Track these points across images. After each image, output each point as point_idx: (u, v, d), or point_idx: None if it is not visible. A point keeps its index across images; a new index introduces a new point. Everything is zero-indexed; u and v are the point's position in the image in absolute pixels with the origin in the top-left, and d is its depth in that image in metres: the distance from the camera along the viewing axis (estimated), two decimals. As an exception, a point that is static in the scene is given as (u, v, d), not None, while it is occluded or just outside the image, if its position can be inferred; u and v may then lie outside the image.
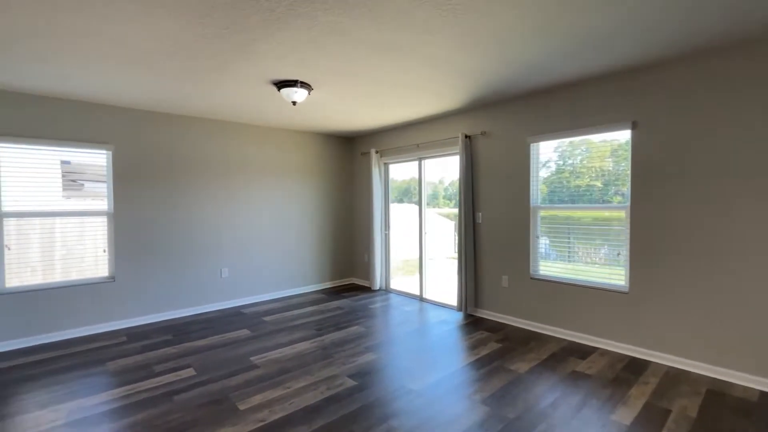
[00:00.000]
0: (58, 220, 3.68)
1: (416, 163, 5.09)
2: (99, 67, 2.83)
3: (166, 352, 3.35)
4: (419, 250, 5.08)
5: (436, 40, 2.44)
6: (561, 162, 3.64)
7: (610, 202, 3.34)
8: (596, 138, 3.39)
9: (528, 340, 3.56)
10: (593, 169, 3.44)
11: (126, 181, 4.01)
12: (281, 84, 3.26)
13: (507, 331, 3.81)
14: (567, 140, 3.57)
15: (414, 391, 2.63)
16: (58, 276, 3.70)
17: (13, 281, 3.48)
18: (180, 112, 4.19)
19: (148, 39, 2.38)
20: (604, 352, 3.24)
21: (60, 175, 3.74)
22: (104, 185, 3.93)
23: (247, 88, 3.38)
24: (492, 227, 4.16)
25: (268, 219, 5.10)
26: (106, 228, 3.93)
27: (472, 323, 4.05)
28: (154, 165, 4.18)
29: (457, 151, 4.45)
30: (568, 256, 3.63)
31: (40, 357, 3.25)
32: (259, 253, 5.01)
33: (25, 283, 3.54)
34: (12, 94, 3.40)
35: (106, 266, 3.95)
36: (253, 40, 2.41)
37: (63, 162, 3.74)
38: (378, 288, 5.57)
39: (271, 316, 4.37)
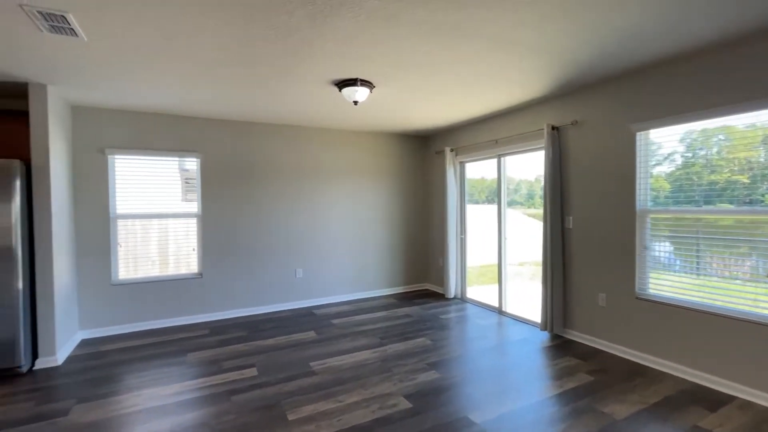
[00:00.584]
0: (156, 221, 4.14)
1: (495, 160, 4.60)
2: (181, 84, 3.06)
3: (237, 349, 3.50)
4: (498, 257, 4.58)
5: (495, 16, 2.06)
6: (689, 154, 2.86)
7: (761, 201, 2.51)
8: (739, 120, 2.58)
9: (631, 374, 2.88)
10: (736, 161, 2.63)
11: (212, 186, 4.36)
12: (342, 84, 3.16)
13: (602, 359, 3.15)
14: (695, 125, 2.79)
15: (477, 426, 2.27)
16: (158, 271, 4.16)
17: (123, 274, 4.01)
18: (254, 119, 4.42)
19: (214, 48, 2.46)
20: (745, 405, 2.43)
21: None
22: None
23: (310, 91, 3.36)
24: (585, 234, 3.50)
25: (341, 221, 5.11)
26: (196, 228, 4.32)
27: (559, 346, 3.46)
28: (234, 170, 4.48)
29: (542, 145, 3.87)
30: (696, 269, 2.84)
31: (139, 342, 3.67)
32: (332, 254, 5.05)
33: (132, 276, 4.06)
34: (121, 113, 3.92)
35: (196, 264, 4.34)
36: (303, 39, 2.33)
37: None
38: (452, 296, 5.20)
39: (339, 319, 4.33)
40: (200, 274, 4.34)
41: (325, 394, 2.65)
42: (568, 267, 3.66)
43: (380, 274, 5.43)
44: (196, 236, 4.33)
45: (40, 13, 1.95)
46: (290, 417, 2.38)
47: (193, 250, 4.33)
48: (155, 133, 4.08)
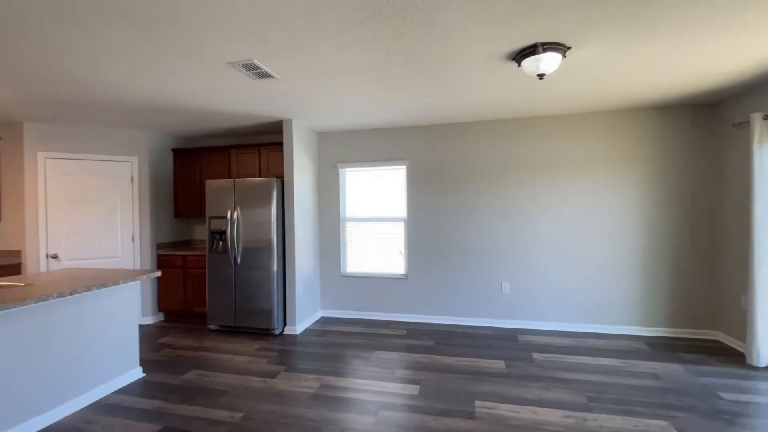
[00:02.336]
0: (373, 224, 4.65)
1: None
2: (373, 100, 3.27)
3: (417, 359, 3.40)
4: None
5: None
6: None
7: None
8: None
9: None
10: None
11: (415, 190, 4.47)
12: (519, 55, 2.44)
13: None
14: None
15: None
16: (374, 268, 4.68)
17: (350, 267, 4.76)
18: (450, 120, 4.16)
19: (371, 55, 2.45)
20: None
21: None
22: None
23: (491, 75, 2.80)
24: None
25: (564, 229, 4.07)
26: (403, 232, 4.56)
27: None
28: (436, 173, 4.40)
29: None
30: None
31: (351, 329, 4.23)
32: (549, 270, 4.11)
33: (356, 270, 4.74)
34: (345, 133, 4.63)
35: (403, 265, 4.58)
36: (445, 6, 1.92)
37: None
38: (764, 364, 3.09)
39: (544, 354, 3.45)
40: (406, 276, 4.55)
41: (467, 452, 2.12)
42: None
43: (624, 304, 3.95)
44: (403, 239, 4.57)
45: (241, 64, 2.52)
46: (416, 462, 2.03)
47: (400, 252, 4.59)
48: (371, 146, 4.60)
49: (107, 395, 2.78)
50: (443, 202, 4.39)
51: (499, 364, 3.25)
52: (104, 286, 2.65)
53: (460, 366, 3.23)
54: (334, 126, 4.39)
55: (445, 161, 4.38)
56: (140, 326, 4.44)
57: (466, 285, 4.34)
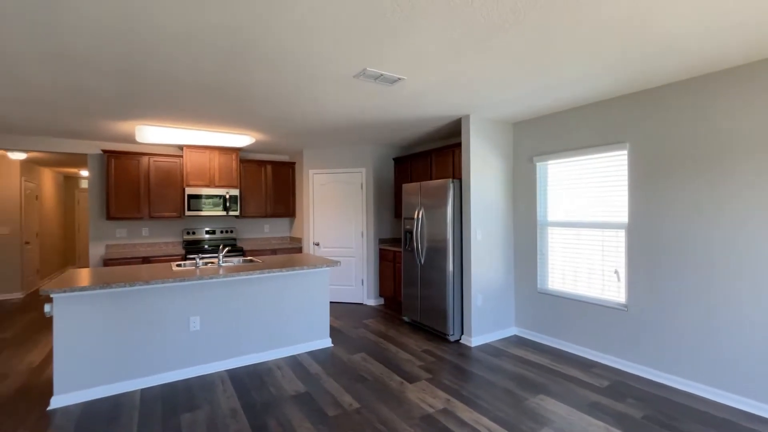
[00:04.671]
0: (584, 230, 3.56)
1: None
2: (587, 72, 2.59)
3: None
4: None
5: None
6: None
7: None
8: None
9: None
10: None
11: (644, 184, 3.07)
12: None
13: None
14: None
15: None
16: (580, 289, 3.59)
17: (550, 283, 3.86)
18: (697, 71, 2.51)
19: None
20: None
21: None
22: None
23: None
24: None
25: None
26: (624, 243, 3.24)
27: None
28: (675, 158, 2.84)
29: None
30: None
31: (534, 358, 3.44)
32: None
33: (556, 288, 3.79)
34: (540, 119, 3.76)
35: (622, 290, 3.26)
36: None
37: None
38: None
39: None
40: (625, 306, 3.21)
41: None
42: None
43: None
44: (623, 253, 3.25)
45: (365, 75, 2.63)
46: None
47: (615, 272, 3.28)
48: (575, 130, 3.54)
49: (298, 354, 3.61)
50: (686, 199, 2.79)
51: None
52: (294, 268, 3.47)
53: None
54: (528, 111, 3.69)
55: (687, 138, 2.77)
56: (361, 305, 5.41)
57: (731, 331, 2.58)
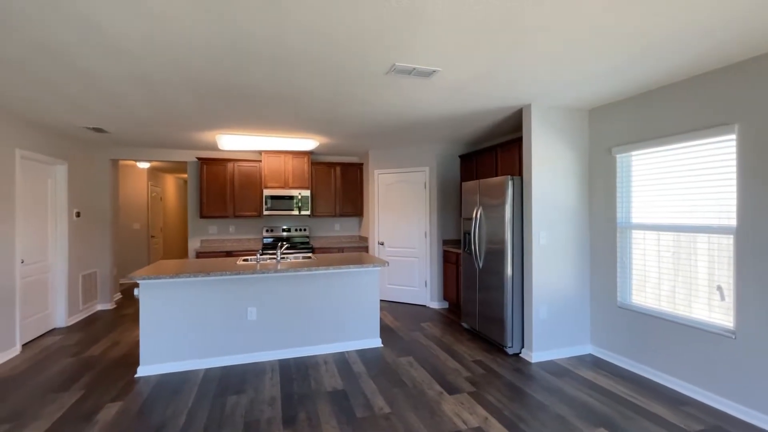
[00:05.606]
0: (678, 235, 2.92)
1: None
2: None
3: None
4: None
5: None
6: None
7: None
8: None
9: None
10: None
11: (759, 176, 2.38)
12: None
13: None
14: None
15: None
16: (672, 306, 2.94)
17: (634, 297, 3.25)
18: None
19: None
20: None
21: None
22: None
23: None
24: None
25: None
26: (731, 251, 2.56)
27: None
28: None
29: None
30: None
31: (607, 384, 2.92)
32: None
33: (640, 303, 3.18)
34: (622, 103, 3.16)
35: (730, 311, 2.57)
36: None
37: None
38: None
39: None
40: (732, 332, 2.53)
41: None
42: None
43: None
44: (729, 264, 2.56)
45: (397, 71, 2.54)
46: None
47: (717, 288, 2.59)
48: (662, 113, 2.91)
49: (347, 351, 3.66)
50: (832, 197, 2.07)
51: None
52: (342, 267, 3.53)
53: None
54: (606, 94, 3.16)
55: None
56: (424, 308, 5.26)
57: None
